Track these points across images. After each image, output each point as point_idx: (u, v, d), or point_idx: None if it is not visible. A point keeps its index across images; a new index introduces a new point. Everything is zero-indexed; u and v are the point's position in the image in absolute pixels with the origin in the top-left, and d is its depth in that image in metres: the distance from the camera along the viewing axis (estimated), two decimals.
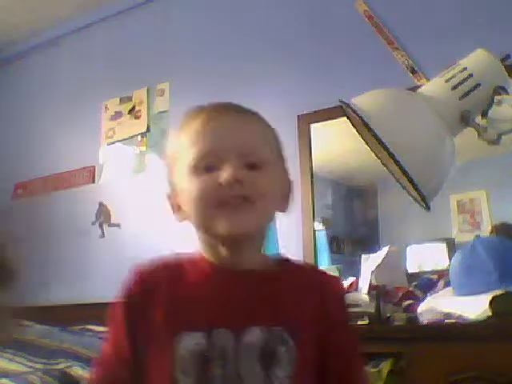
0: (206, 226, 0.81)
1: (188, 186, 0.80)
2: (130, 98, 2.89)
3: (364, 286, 1.81)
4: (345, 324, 0.88)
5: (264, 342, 0.77)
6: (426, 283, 1.81)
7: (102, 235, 2.82)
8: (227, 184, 0.77)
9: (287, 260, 0.90)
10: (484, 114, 1.08)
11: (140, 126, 2.82)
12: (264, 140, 0.84)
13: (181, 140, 0.84)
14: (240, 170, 0.78)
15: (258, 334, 0.78)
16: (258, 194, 0.79)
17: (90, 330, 2.25)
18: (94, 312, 2.50)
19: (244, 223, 0.78)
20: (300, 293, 0.84)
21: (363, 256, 1.94)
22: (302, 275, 0.88)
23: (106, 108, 2.97)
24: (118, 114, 2.92)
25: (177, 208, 0.85)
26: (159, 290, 0.81)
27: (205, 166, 0.79)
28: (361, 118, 1.02)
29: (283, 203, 0.86)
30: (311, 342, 0.81)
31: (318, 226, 2.25)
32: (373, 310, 1.60)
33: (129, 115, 2.87)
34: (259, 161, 0.80)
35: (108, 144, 2.92)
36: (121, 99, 2.92)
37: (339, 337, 0.84)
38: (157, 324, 0.80)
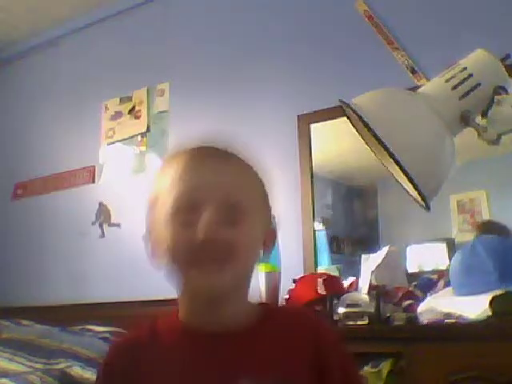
0: (179, 282, 0.78)
1: (163, 235, 0.77)
2: (129, 98, 2.89)
3: (364, 285, 1.81)
4: (346, 368, 0.84)
5: None
6: (426, 283, 1.81)
7: (102, 235, 2.82)
8: (203, 241, 0.73)
9: (271, 307, 0.87)
10: (484, 114, 1.08)
11: (140, 126, 2.82)
12: (246, 184, 0.80)
13: (161, 183, 0.81)
14: (217, 223, 0.74)
15: None
16: (236, 249, 0.75)
17: (90, 330, 2.25)
18: (94, 312, 2.52)
19: (218, 283, 0.75)
20: (288, 343, 0.80)
21: (363, 256, 1.94)
22: (290, 323, 0.83)
23: (105, 108, 2.97)
24: (118, 114, 2.92)
25: (154, 253, 0.81)
26: (139, 364, 0.79)
27: (182, 215, 0.76)
28: (361, 117, 1.02)
29: (267, 247, 0.83)
30: None
31: (318, 226, 2.25)
32: (373, 310, 1.59)
33: (129, 115, 2.87)
34: (241, 208, 0.77)
35: (108, 144, 2.92)
36: (121, 99, 2.92)
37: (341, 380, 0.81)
38: None
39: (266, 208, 0.84)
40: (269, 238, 0.84)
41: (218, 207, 0.75)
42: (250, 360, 0.77)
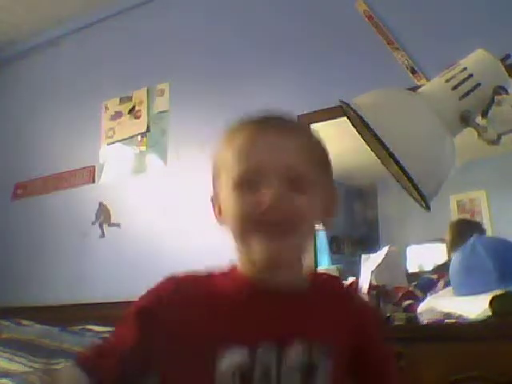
0: (242, 246, 0.81)
1: (229, 202, 0.80)
2: (129, 98, 2.89)
3: (364, 285, 1.81)
4: (381, 340, 0.91)
5: (305, 358, 0.78)
6: (426, 283, 1.81)
7: (102, 235, 2.82)
8: (267, 208, 0.76)
9: (320, 275, 0.93)
10: (484, 114, 1.08)
11: (140, 126, 2.82)
12: (308, 156, 0.82)
13: (225, 153, 0.83)
14: (281, 193, 0.77)
15: (299, 352, 0.78)
16: (299, 218, 0.79)
17: (90, 330, 2.24)
18: (94, 312, 2.52)
19: (280, 250, 0.78)
20: (336, 312, 0.85)
21: (363, 256, 1.94)
22: (338, 295, 0.90)
23: (106, 108, 2.97)
24: (117, 114, 2.92)
25: (218, 213, 0.85)
26: (193, 304, 0.79)
27: (248, 184, 0.79)
28: (361, 118, 1.02)
29: (327, 217, 0.87)
30: (345, 355, 0.83)
31: (318, 226, 2.25)
32: None
33: (129, 115, 2.87)
34: (302, 180, 0.79)
35: (108, 144, 2.92)
36: (121, 99, 2.92)
37: (376, 351, 0.88)
38: (191, 339, 0.77)
39: (328, 178, 0.86)
40: (330, 208, 0.86)
41: (281, 177, 0.78)
42: (305, 322, 0.81)
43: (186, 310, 0.78)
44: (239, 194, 0.79)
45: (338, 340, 0.82)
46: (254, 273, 0.81)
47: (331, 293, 0.88)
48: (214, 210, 0.86)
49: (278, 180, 0.77)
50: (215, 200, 0.86)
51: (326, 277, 1.03)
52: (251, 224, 0.77)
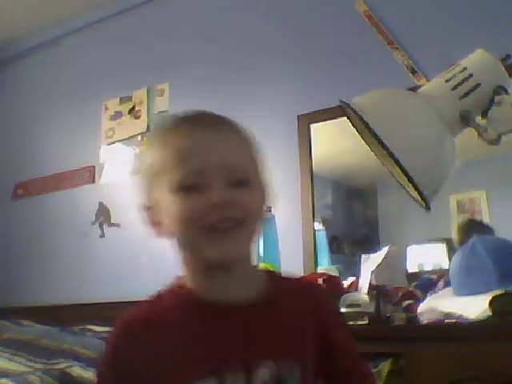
0: (193, 249, 0.78)
1: (174, 206, 0.77)
2: (129, 98, 2.89)
3: (364, 285, 1.81)
4: (340, 324, 0.89)
5: (274, 375, 0.76)
6: (426, 283, 1.81)
7: (102, 235, 2.82)
8: (219, 206, 0.75)
9: (277, 276, 0.87)
10: (484, 114, 1.09)
11: (140, 125, 2.82)
12: (247, 152, 0.82)
13: (162, 154, 0.79)
14: (226, 191, 0.76)
15: (266, 372, 0.76)
16: (249, 214, 0.77)
17: (90, 330, 2.25)
18: (94, 312, 2.52)
19: (235, 247, 0.77)
20: (299, 312, 0.82)
21: (363, 256, 1.94)
22: (296, 291, 0.86)
23: (106, 108, 2.97)
24: (118, 114, 2.92)
25: (156, 223, 0.81)
26: (149, 345, 0.77)
27: (192, 185, 0.76)
28: (361, 118, 1.02)
29: (265, 211, 0.85)
30: (313, 358, 0.81)
31: (318, 226, 2.25)
32: (372, 310, 1.59)
33: (129, 115, 2.87)
34: (246, 177, 0.78)
35: (108, 144, 2.92)
36: (121, 99, 2.92)
37: (336, 336, 0.85)
38: (158, 379, 0.76)
39: (263, 171, 0.85)
40: (267, 201, 0.85)
41: (225, 175, 0.76)
42: (268, 336, 0.78)
43: (143, 352, 0.77)
44: (183, 196, 0.76)
45: (304, 347, 0.80)
46: (203, 287, 0.79)
47: (293, 295, 0.84)
48: (149, 220, 0.82)
49: (221, 179, 0.76)
50: (150, 208, 0.81)
51: (289, 278, 1.01)
52: (203, 224, 0.75)
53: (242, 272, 0.80)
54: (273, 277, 0.85)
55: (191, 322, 0.78)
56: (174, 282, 0.83)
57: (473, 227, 1.91)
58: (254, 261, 0.85)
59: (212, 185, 0.76)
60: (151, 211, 0.82)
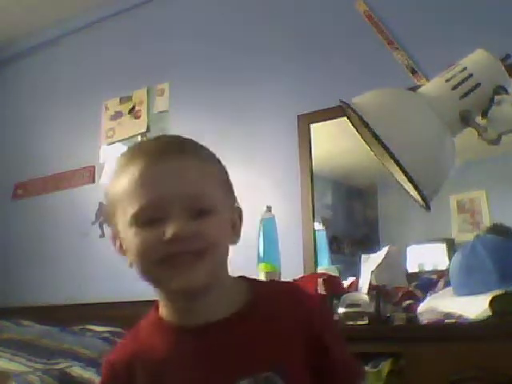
0: (155, 283, 0.78)
1: (131, 239, 0.76)
2: (129, 98, 2.89)
3: (364, 285, 1.81)
4: (335, 339, 0.85)
5: None
6: (426, 283, 1.80)
7: (102, 235, 2.82)
8: (173, 241, 0.73)
9: (258, 285, 0.85)
10: (484, 114, 1.09)
11: (140, 125, 2.82)
12: (209, 179, 0.79)
13: (119, 186, 0.78)
14: (186, 223, 0.73)
15: None
16: (209, 244, 0.75)
17: (90, 330, 2.25)
18: (94, 312, 2.52)
19: (196, 279, 0.74)
20: (279, 323, 0.79)
21: (363, 256, 1.94)
22: (277, 300, 0.82)
23: (106, 108, 2.97)
24: (118, 114, 2.92)
25: (123, 252, 0.80)
26: (131, 378, 0.79)
27: (148, 218, 0.74)
28: (361, 118, 1.02)
29: (234, 236, 0.82)
30: (302, 371, 0.78)
31: (318, 226, 2.25)
32: (372, 310, 1.59)
33: (129, 115, 2.87)
34: (206, 205, 0.76)
35: (108, 144, 2.92)
36: (121, 99, 2.92)
37: (333, 355, 0.82)
38: None
39: (231, 197, 0.83)
40: (237, 221, 0.83)
41: (184, 206, 0.74)
42: (248, 353, 0.76)
43: None
44: (140, 230, 0.75)
45: (288, 355, 0.78)
46: (172, 312, 0.79)
47: (276, 303, 0.81)
48: (117, 248, 0.82)
49: (180, 210, 0.74)
50: (116, 237, 0.81)
51: (272, 285, 0.97)
52: (159, 259, 0.74)
53: (213, 295, 0.78)
54: (254, 288, 0.83)
55: (166, 349, 0.79)
56: (153, 306, 0.83)
57: (497, 232, 1.89)
58: (229, 280, 0.82)
59: (170, 217, 0.74)
60: (118, 240, 0.81)
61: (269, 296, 0.82)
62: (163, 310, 0.81)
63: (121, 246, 0.81)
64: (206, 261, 0.75)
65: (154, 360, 0.78)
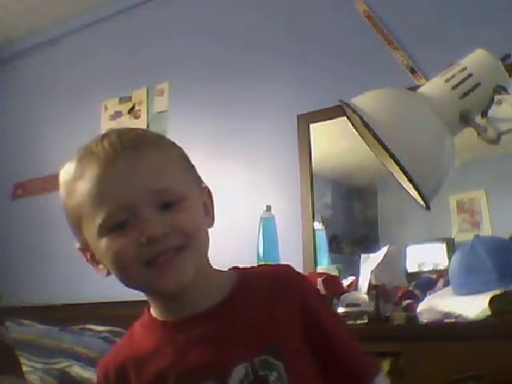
0: (143, 287, 0.76)
1: (104, 248, 0.72)
2: (129, 98, 2.89)
3: (364, 285, 1.81)
4: (328, 313, 0.84)
5: (250, 378, 0.72)
6: (426, 283, 1.81)
7: None
8: (151, 241, 0.70)
9: (245, 271, 0.82)
10: (484, 114, 1.09)
11: (139, 125, 2.81)
12: (171, 168, 0.75)
13: (78, 196, 0.73)
14: (159, 220, 0.70)
15: (242, 375, 0.72)
16: (188, 234, 0.72)
17: (90, 330, 2.25)
18: (93, 312, 2.52)
19: (185, 276, 0.72)
20: (271, 305, 0.77)
21: (363, 256, 1.94)
22: (268, 283, 0.80)
23: (105, 108, 2.97)
24: (117, 114, 2.92)
25: (96, 263, 0.78)
26: (129, 378, 0.78)
27: (117, 223, 0.71)
28: (361, 117, 1.02)
29: (209, 218, 0.80)
30: (301, 351, 0.77)
31: (318, 225, 2.25)
32: (372, 310, 1.60)
33: (128, 115, 2.88)
34: (174, 196, 0.73)
35: None
36: (120, 99, 2.92)
37: (329, 328, 0.80)
38: None
39: (198, 179, 0.80)
40: (208, 203, 0.81)
41: (152, 203, 0.71)
42: (239, 339, 0.75)
43: None
44: (113, 238, 0.71)
45: (283, 336, 0.76)
46: (161, 311, 0.79)
47: (267, 286, 0.79)
48: (88, 261, 0.79)
49: (148, 208, 0.71)
50: (85, 249, 0.79)
51: (262, 268, 0.94)
52: (140, 262, 0.71)
53: (198, 285, 0.76)
54: (242, 274, 0.81)
55: (160, 346, 0.78)
56: (145, 307, 0.83)
57: None
58: (213, 268, 0.81)
59: (140, 217, 0.70)
60: (88, 252, 0.78)
61: (258, 280, 0.81)
62: (153, 310, 0.81)
63: (92, 256, 0.78)
64: (189, 254, 0.73)
65: (149, 360, 0.78)
